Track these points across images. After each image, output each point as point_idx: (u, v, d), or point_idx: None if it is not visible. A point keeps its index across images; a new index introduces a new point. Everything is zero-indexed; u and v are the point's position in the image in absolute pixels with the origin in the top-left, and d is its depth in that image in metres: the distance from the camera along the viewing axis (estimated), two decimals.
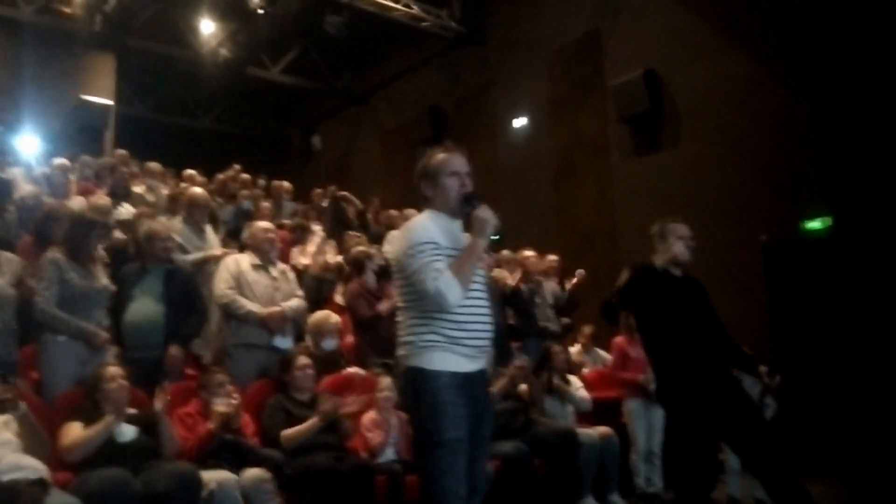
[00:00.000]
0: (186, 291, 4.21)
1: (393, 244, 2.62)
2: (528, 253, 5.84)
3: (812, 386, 5.84)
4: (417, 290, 2.36)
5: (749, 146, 6.81)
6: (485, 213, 2.40)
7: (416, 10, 9.99)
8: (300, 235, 6.76)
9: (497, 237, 2.43)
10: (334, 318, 4.76)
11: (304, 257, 6.40)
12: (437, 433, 2.29)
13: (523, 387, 4.77)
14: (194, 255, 4.92)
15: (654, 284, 3.37)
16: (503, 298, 5.44)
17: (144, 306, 4.01)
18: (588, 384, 5.59)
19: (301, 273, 5.74)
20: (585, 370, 5.95)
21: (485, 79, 10.11)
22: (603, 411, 5.08)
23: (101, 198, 5.49)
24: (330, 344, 4.63)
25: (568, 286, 6.03)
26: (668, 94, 7.67)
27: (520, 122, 9.57)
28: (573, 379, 5.17)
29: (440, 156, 2.50)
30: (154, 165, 8.23)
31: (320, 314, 4.87)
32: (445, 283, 2.30)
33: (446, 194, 2.47)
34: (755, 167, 6.68)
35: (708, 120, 7.27)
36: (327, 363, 4.51)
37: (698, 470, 3.20)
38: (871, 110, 5.91)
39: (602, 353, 6.42)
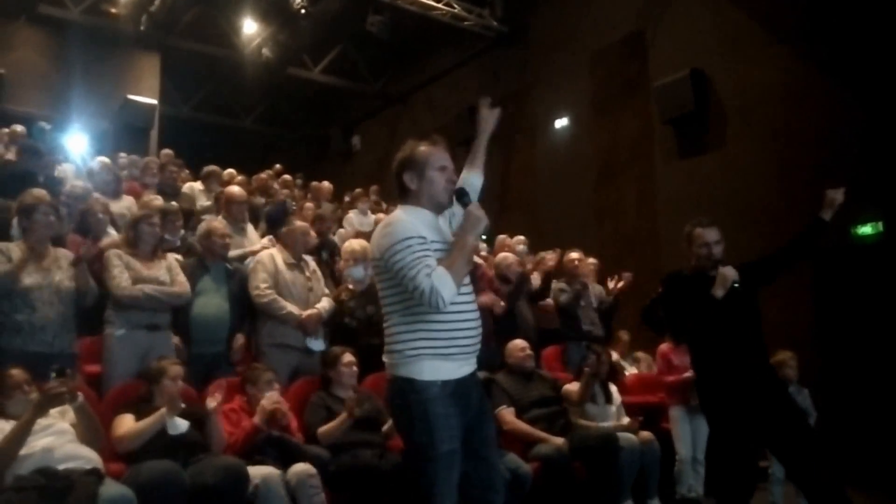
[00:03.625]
0: (243, 289, 4.30)
1: (373, 244, 2.38)
2: (574, 255, 5.77)
3: (860, 395, 5.71)
4: (405, 291, 2.23)
5: (797, 149, 6.60)
6: (478, 211, 2.30)
7: (457, 9, 9.98)
8: None
9: (485, 237, 2.35)
10: (355, 244, 4.73)
11: None
12: (431, 447, 2.20)
13: (569, 387, 4.73)
14: (235, 251, 4.97)
15: (685, 291, 3.36)
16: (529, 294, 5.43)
17: (212, 302, 4.11)
18: (629, 389, 5.55)
19: None
20: (628, 372, 5.89)
21: (526, 79, 10.02)
22: (643, 416, 4.99)
23: (152, 196, 5.60)
24: (357, 272, 4.60)
25: (611, 287, 5.93)
26: (715, 94, 7.46)
27: (561, 123, 9.45)
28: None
29: (424, 147, 2.38)
30: (213, 168, 8.31)
31: (347, 243, 4.90)
32: (439, 279, 2.17)
33: (433, 189, 2.36)
34: (803, 170, 6.46)
35: (754, 122, 7.06)
36: (372, 296, 4.38)
37: (738, 477, 3.18)
38: None
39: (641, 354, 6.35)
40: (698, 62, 7.58)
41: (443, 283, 2.19)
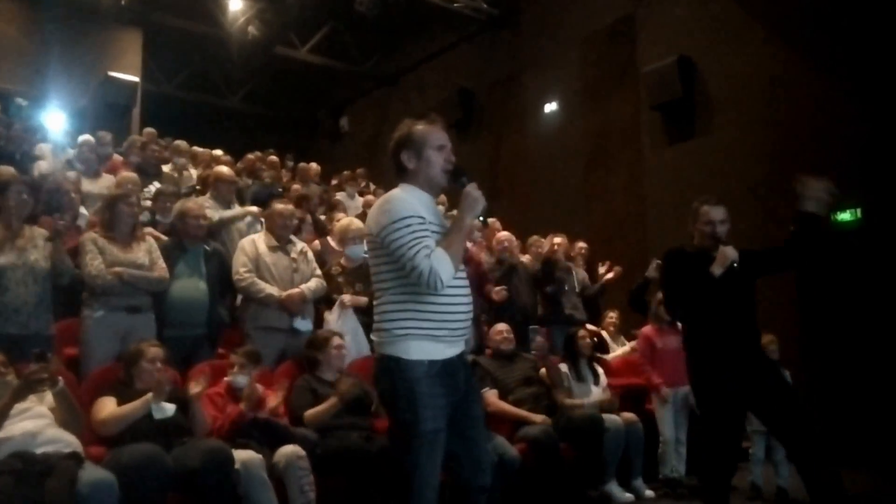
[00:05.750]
0: (223, 272, 4.23)
1: (371, 219, 2.33)
2: (558, 239, 5.77)
3: (840, 378, 5.84)
4: (399, 269, 2.22)
5: (781, 136, 6.68)
6: (475, 192, 2.28)
7: None
8: None
9: (483, 217, 2.30)
10: (356, 223, 4.80)
11: None
12: (416, 425, 2.19)
13: (542, 370, 4.80)
14: (229, 212, 4.98)
15: (684, 267, 3.32)
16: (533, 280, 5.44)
17: (190, 285, 4.03)
18: (615, 372, 5.59)
19: None
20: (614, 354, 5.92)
21: (516, 63, 9.97)
22: (628, 398, 5.08)
23: (129, 174, 5.52)
24: (356, 251, 4.61)
25: (600, 274, 5.95)
26: (702, 81, 7.52)
27: (551, 108, 9.43)
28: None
29: (422, 126, 2.34)
30: (181, 143, 8.21)
31: (343, 221, 4.94)
32: (438, 260, 2.17)
33: (431, 169, 2.32)
34: (786, 157, 6.55)
35: (741, 109, 7.14)
36: (363, 274, 4.52)
37: (722, 457, 3.20)
38: None
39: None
40: (686, 49, 7.62)
41: (441, 264, 2.18)
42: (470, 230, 2.37)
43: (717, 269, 3.18)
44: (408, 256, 2.17)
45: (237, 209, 5.14)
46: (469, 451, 2.32)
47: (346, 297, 4.43)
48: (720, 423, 3.19)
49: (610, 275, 5.85)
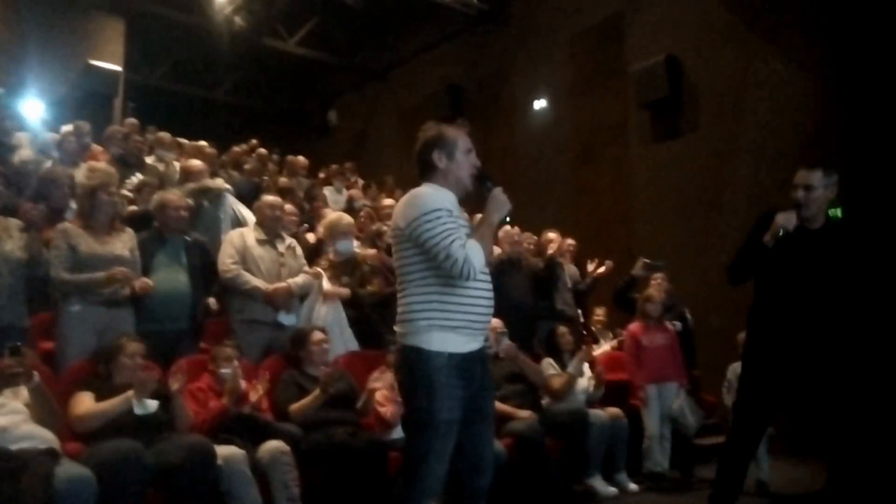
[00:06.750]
0: (205, 263, 4.15)
1: (397, 213, 2.41)
2: (552, 235, 5.77)
3: (824, 377, 5.84)
4: (426, 261, 2.28)
5: (766, 135, 6.73)
6: (502, 196, 2.40)
7: None
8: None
9: (508, 220, 2.44)
10: (346, 218, 4.85)
11: None
12: (430, 414, 2.25)
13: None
14: (194, 184, 4.95)
15: (759, 232, 3.14)
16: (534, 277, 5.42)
17: (170, 277, 3.93)
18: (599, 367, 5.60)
19: None
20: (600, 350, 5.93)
21: (506, 59, 9.95)
22: (613, 393, 5.10)
23: (99, 163, 5.41)
24: (345, 245, 4.65)
25: (590, 270, 5.95)
26: (689, 80, 7.56)
27: (539, 105, 9.42)
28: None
29: (453, 130, 2.45)
30: (164, 135, 8.10)
31: (332, 215, 4.97)
32: (471, 250, 2.25)
33: (460, 171, 2.42)
34: (772, 156, 6.60)
35: (727, 108, 7.18)
36: (350, 268, 4.56)
37: (742, 456, 3.19)
38: (892, 102, 5.81)
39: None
40: (673, 48, 7.65)
41: (474, 254, 2.26)
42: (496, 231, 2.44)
43: (766, 237, 3.05)
44: (442, 246, 2.24)
45: (200, 183, 5.08)
46: (472, 445, 2.36)
47: (330, 288, 4.41)
48: (748, 405, 3.14)
49: (601, 269, 5.86)
